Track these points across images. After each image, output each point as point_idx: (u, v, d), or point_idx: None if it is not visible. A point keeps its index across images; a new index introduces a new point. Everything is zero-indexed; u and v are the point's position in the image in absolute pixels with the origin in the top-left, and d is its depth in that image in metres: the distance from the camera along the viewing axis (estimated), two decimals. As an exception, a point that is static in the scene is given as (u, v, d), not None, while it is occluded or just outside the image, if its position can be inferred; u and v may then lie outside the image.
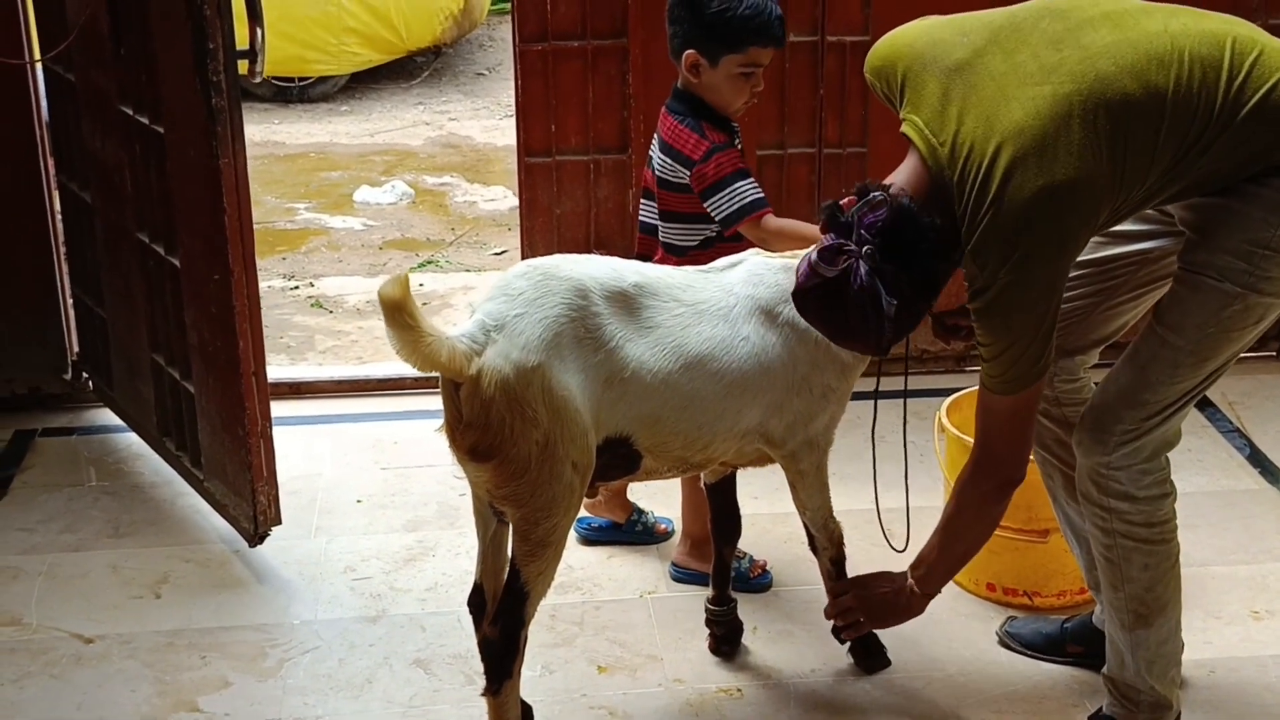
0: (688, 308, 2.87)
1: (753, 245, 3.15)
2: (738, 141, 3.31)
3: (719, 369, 2.86)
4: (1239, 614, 3.40)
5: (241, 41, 3.39)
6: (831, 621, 3.19)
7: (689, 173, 3.23)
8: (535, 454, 2.65)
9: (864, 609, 3.09)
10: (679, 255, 3.30)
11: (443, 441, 2.75)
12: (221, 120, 3.33)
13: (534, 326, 2.66)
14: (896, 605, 3.02)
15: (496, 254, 6.67)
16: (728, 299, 2.91)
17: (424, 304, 5.71)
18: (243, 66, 3.44)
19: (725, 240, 3.26)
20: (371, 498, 4.02)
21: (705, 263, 3.08)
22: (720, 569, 3.29)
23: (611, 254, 4.39)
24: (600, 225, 4.46)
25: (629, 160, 4.38)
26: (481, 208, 7.32)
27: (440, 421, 2.75)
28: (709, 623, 3.33)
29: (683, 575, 3.59)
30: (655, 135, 3.33)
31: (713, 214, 3.22)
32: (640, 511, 3.75)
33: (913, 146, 2.61)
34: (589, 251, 4.46)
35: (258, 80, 3.73)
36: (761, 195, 3.21)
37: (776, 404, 2.94)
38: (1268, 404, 4.29)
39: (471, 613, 2.96)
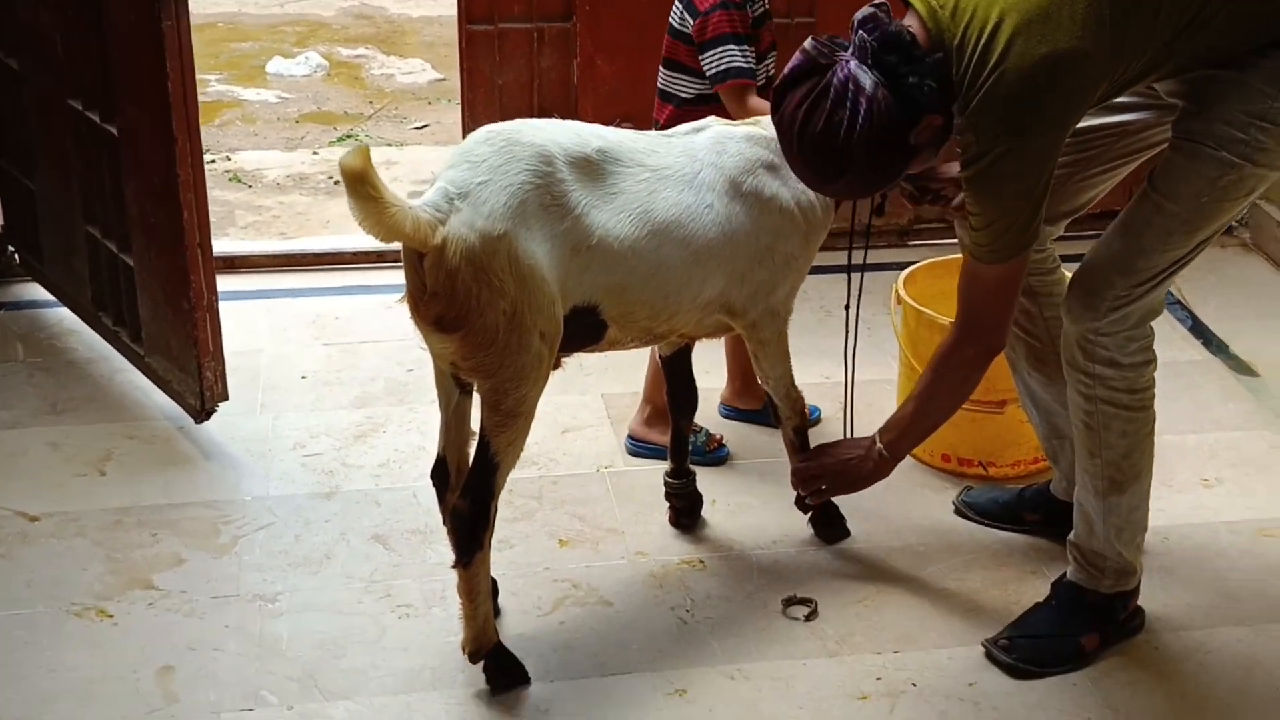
0: (652, 173, 2.81)
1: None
2: (762, 6, 3.30)
3: (684, 236, 2.82)
4: (1189, 482, 3.47)
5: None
6: (796, 492, 3.19)
7: (693, 22, 3.23)
8: (503, 323, 2.60)
9: (829, 476, 3.07)
10: (675, 105, 3.32)
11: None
12: (164, -20, 3.20)
13: (499, 194, 2.59)
14: (862, 471, 3.00)
15: (417, 128, 6.54)
16: (692, 164, 2.86)
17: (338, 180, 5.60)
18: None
19: (717, 100, 3.25)
20: (316, 374, 3.95)
21: (696, 119, 3.03)
22: (678, 441, 3.27)
23: (557, 124, 4.38)
24: (544, 97, 4.38)
25: (573, 29, 4.29)
26: (399, 80, 7.17)
27: (401, 294, 2.68)
28: (668, 496, 3.33)
29: (639, 449, 3.58)
30: None
31: (704, 68, 3.23)
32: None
33: (911, 9, 2.56)
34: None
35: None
36: (748, 66, 3.20)
37: (740, 273, 2.91)
38: (1209, 277, 4.35)
39: (435, 485, 2.92)
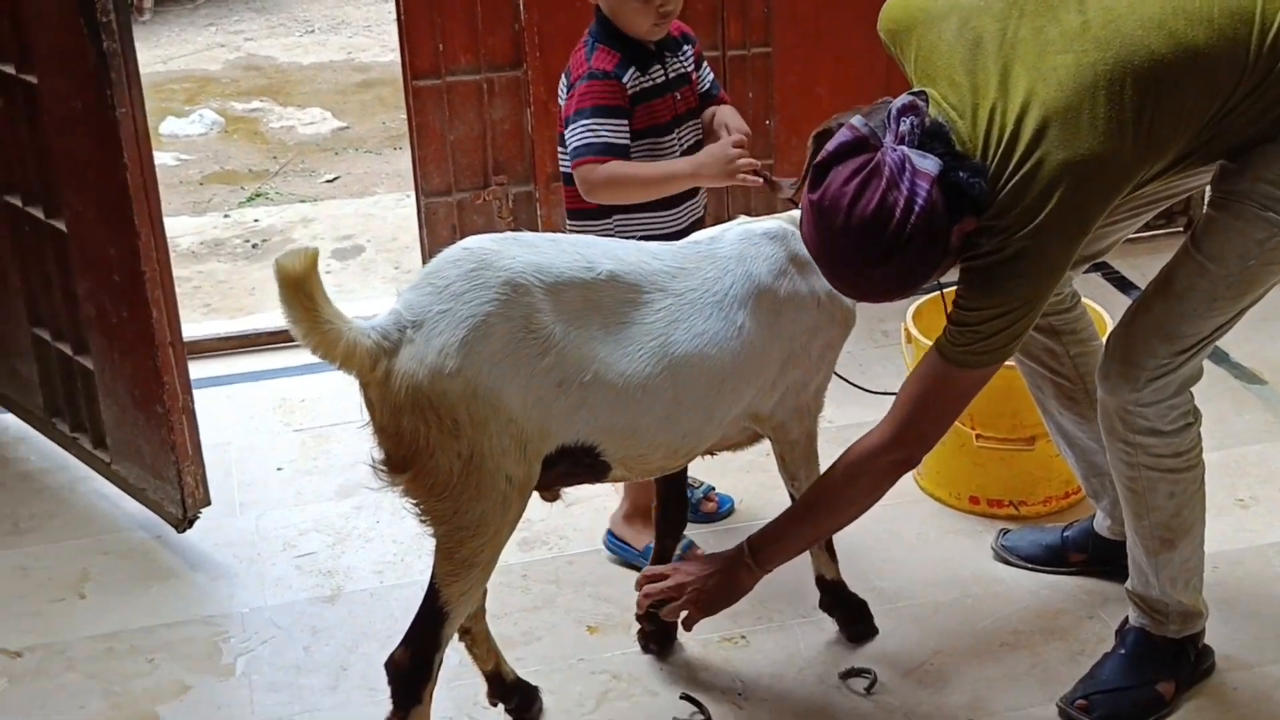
0: (675, 298, 2.53)
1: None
2: (685, 56, 3.03)
3: (710, 368, 2.54)
4: (1226, 503, 3.37)
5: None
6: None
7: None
8: (457, 467, 2.35)
9: (690, 598, 2.73)
10: (571, 185, 2.97)
11: (358, 394, 2.44)
12: (116, 65, 2.96)
13: (456, 327, 2.31)
14: (726, 589, 2.70)
15: (329, 181, 6.32)
16: (721, 279, 2.58)
17: (263, 240, 5.36)
18: None
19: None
20: (292, 464, 3.71)
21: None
22: (660, 561, 2.96)
23: (508, 179, 4.19)
24: (497, 149, 4.19)
25: (524, 77, 4.10)
26: (301, 132, 6.94)
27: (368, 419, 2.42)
28: (640, 617, 2.96)
29: (616, 548, 3.30)
30: None
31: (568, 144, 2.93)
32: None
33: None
34: (488, 177, 4.20)
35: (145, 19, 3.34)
36: (590, 141, 2.87)
37: (771, 380, 2.67)
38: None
39: None
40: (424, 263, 4.24)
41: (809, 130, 2.63)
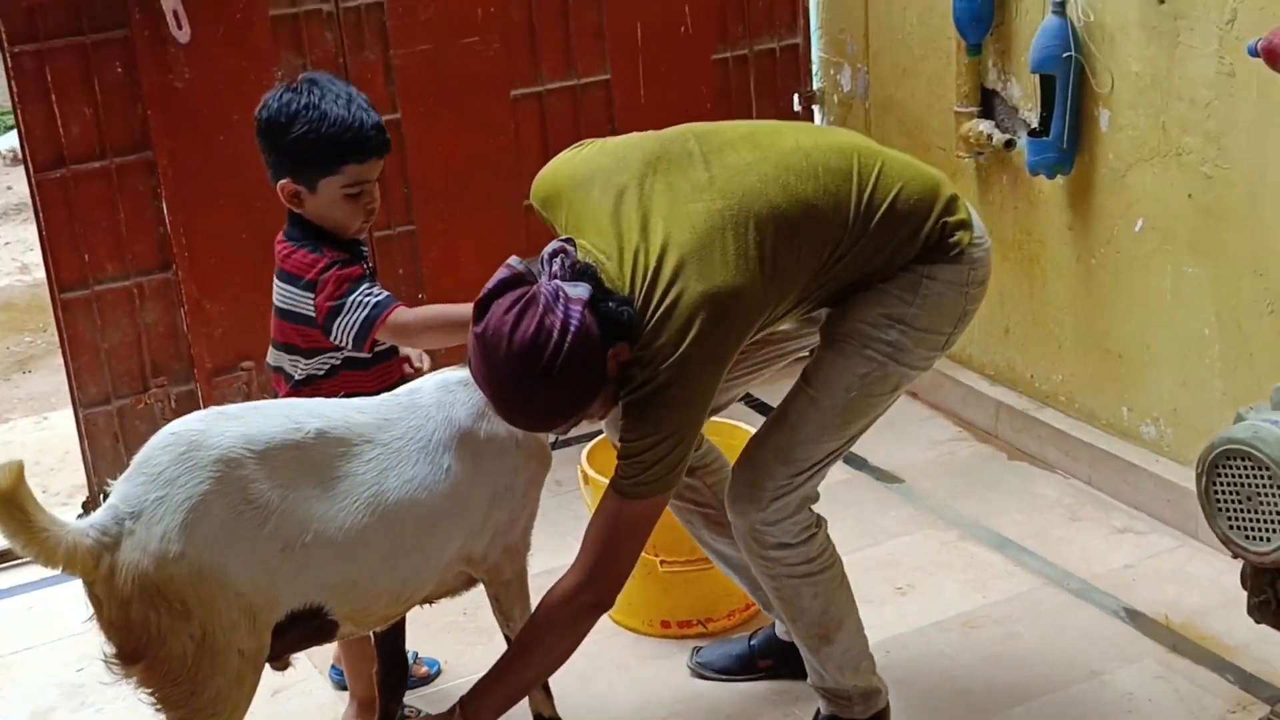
0: (383, 448, 2.63)
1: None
2: (366, 261, 3.04)
3: (422, 513, 2.63)
4: (886, 593, 3.67)
5: None
6: None
7: (313, 298, 2.91)
8: (190, 650, 2.40)
9: None
10: (290, 385, 3.02)
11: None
12: None
13: (175, 511, 2.38)
14: None
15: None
16: (425, 427, 2.69)
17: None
18: None
19: (356, 367, 3.01)
20: (-25, 698, 3.58)
21: (335, 394, 2.89)
22: None
23: (168, 380, 4.21)
24: (154, 351, 4.20)
25: (174, 278, 4.16)
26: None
27: (90, 613, 2.44)
28: None
29: None
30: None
31: (341, 341, 2.92)
32: None
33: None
34: (147, 381, 4.20)
35: None
36: (386, 295, 2.93)
37: (480, 523, 2.76)
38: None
39: None
40: (88, 478, 4.22)
41: (456, 299, 2.87)
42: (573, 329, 2.48)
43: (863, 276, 2.80)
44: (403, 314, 2.91)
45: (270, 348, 3.09)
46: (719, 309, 2.58)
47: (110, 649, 2.41)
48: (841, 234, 2.73)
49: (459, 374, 2.81)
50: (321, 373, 3.02)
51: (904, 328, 2.80)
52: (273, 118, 2.89)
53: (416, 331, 2.95)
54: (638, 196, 2.67)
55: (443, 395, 2.76)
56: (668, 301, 2.57)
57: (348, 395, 2.88)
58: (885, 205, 2.75)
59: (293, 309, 2.97)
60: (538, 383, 2.50)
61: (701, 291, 2.56)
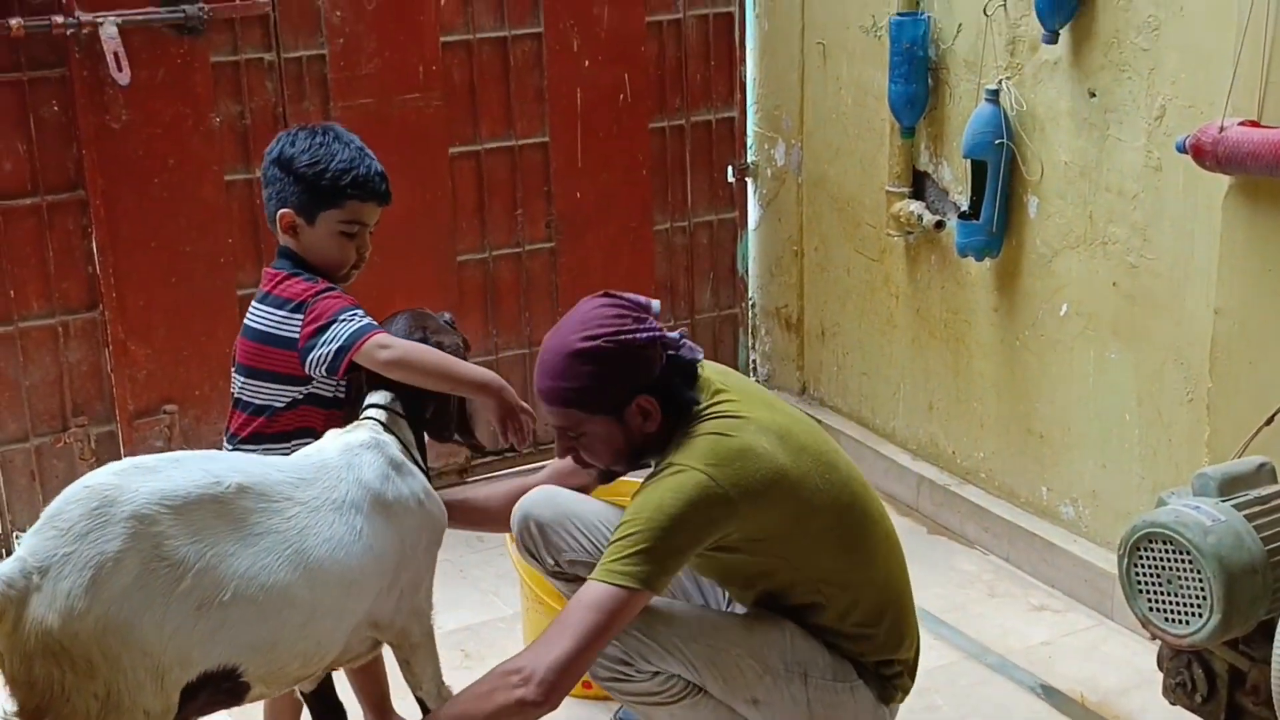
0: (302, 506, 2.60)
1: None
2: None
3: (342, 571, 2.60)
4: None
5: None
6: None
7: (300, 320, 2.92)
8: (94, 709, 2.34)
9: None
10: (263, 415, 2.99)
11: None
12: None
13: (83, 568, 2.31)
14: None
15: None
16: (338, 487, 2.67)
17: None
18: None
19: (314, 403, 2.99)
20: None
21: (290, 426, 2.94)
22: None
23: (89, 420, 4.15)
24: (76, 390, 4.16)
25: (100, 317, 4.11)
26: None
27: None
28: None
29: None
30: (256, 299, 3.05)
31: (317, 363, 2.90)
32: None
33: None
34: (67, 420, 4.15)
35: None
36: (368, 322, 2.89)
37: (387, 585, 2.73)
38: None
39: None
40: (0, 516, 4.14)
41: None
42: (642, 334, 2.74)
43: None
44: (388, 339, 2.89)
45: (238, 378, 3.05)
46: (739, 459, 2.70)
47: (12, 707, 2.36)
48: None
49: (361, 436, 2.80)
50: (280, 404, 2.99)
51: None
52: (286, 148, 2.99)
53: (392, 359, 2.87)
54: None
55: (349, 458, 2.74)
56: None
57: (299, 430, 2.94)
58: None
59: (274, 331, 2.96)
60: (574, 353, 2.73)
61: (715, 432, 2.74)
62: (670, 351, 2.79)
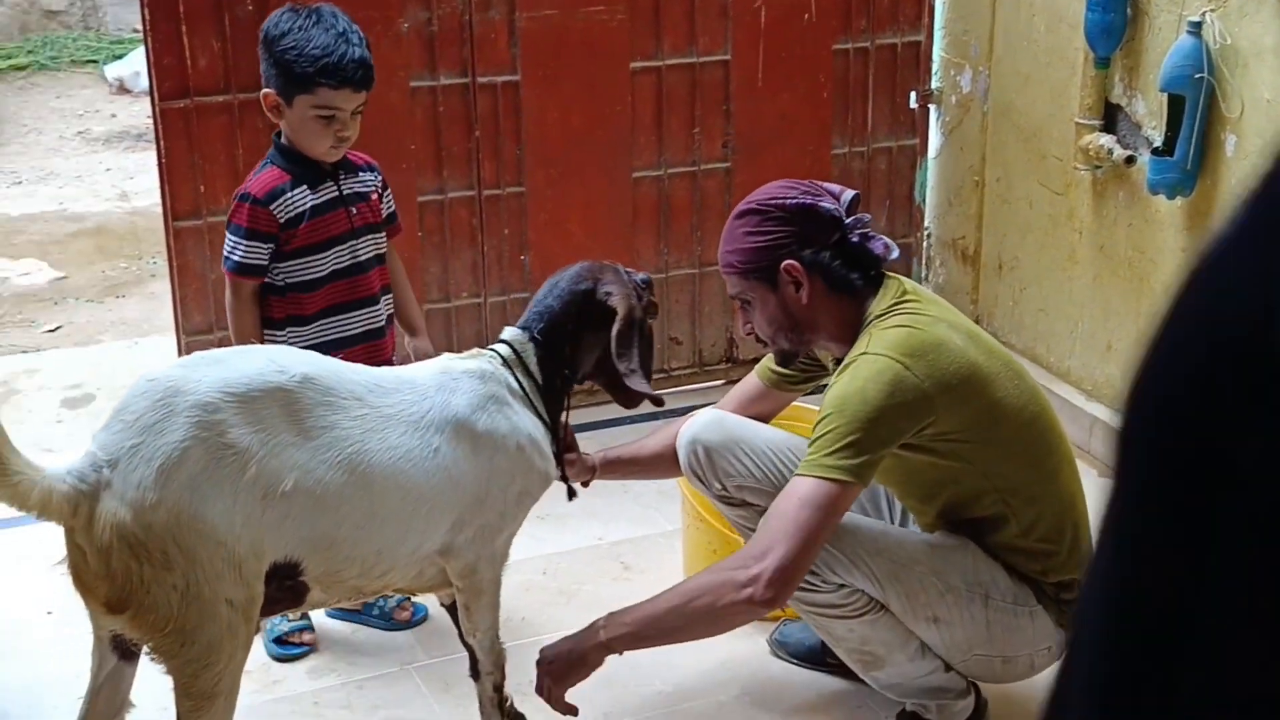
0: (372, 410, 2.57)
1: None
2: (366, 182, 3.28)
3: (405, 484, 2.57)
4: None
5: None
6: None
7: None
8: (175, 600, 2.35)
9: (543, 670, 2.82)
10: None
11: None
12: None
13: (151, 459, 2.33)
14: (574, 658, 2.78)
15: (50, 331, 6.16)
16: (419, 404, 2.63)
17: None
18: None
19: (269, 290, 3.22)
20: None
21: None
22: None
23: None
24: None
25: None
26: (16, 284, 6.71)
27: (63, 558, 2.41)
28: None
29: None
30: None
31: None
32: None
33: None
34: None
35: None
36: (227, 256, 3.17)
37: (465, 519, 2.68)
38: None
39: None
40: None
41: (560, 264, 2.95)
42: (787, 205, 2.80)
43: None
44: (238, 290, 3.19)
45: None
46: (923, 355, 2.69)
47: (96, 604, 2.40)
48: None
49: (465, 364, 2.78)
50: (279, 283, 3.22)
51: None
52: (269, 30, 3.09)
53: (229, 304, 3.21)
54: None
55: (444, 380, 2.71)
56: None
57: (289, 318, 3.20)
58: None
59: None
60: (735, 214, 2.89)
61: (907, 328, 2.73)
62: (849, 236, 2.81)
